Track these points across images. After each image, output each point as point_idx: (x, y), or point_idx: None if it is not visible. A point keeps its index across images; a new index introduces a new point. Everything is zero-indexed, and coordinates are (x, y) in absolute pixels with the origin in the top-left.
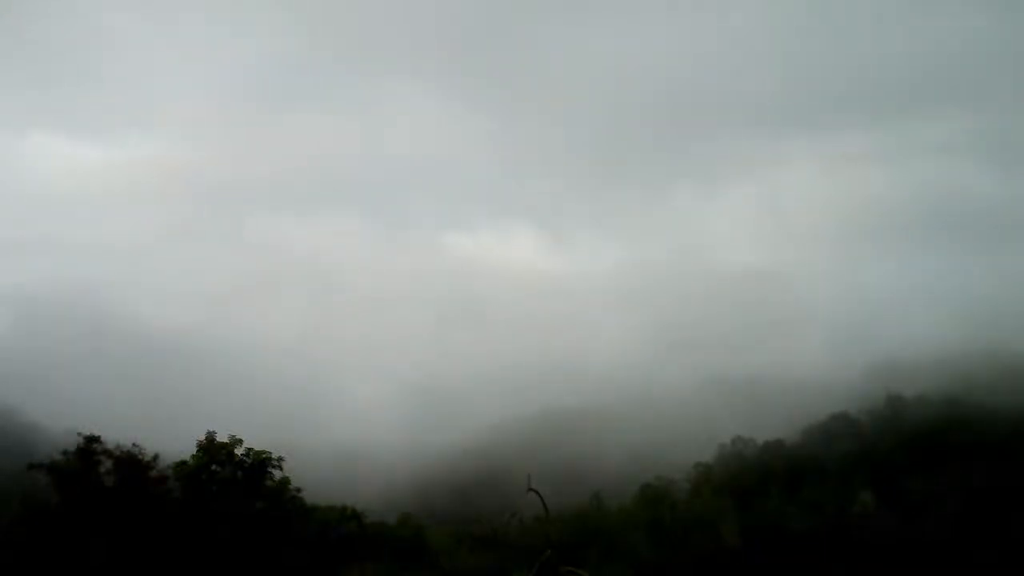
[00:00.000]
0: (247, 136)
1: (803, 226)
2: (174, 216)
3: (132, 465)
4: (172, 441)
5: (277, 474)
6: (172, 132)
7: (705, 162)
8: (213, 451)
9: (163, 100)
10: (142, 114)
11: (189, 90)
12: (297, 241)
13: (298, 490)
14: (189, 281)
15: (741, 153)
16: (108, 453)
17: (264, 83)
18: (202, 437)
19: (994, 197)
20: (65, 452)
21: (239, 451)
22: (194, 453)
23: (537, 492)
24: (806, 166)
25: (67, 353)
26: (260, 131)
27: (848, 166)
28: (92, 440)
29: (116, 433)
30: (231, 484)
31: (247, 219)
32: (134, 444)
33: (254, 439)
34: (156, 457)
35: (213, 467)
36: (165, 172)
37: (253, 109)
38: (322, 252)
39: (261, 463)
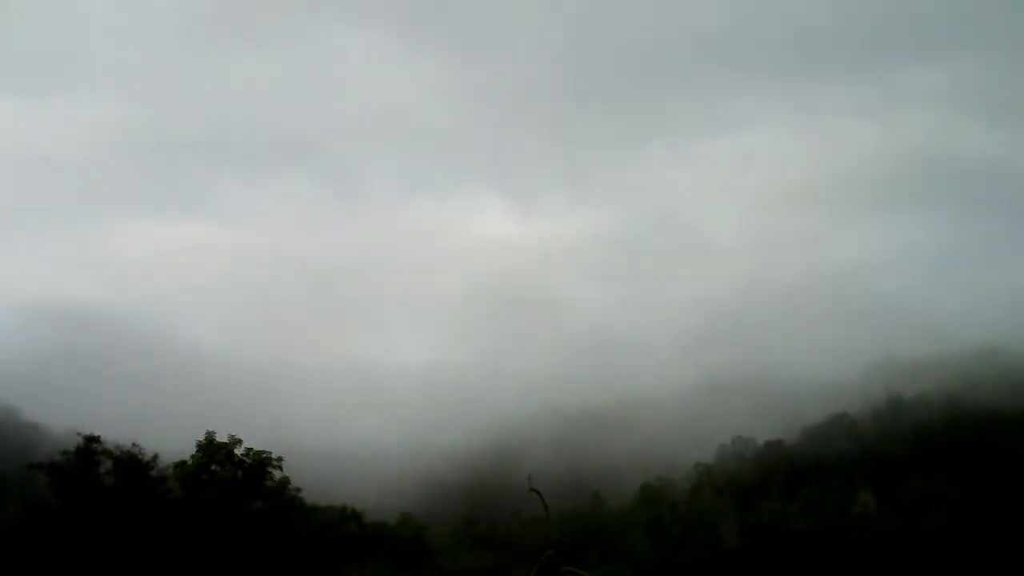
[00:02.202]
0: (185, 91)
1: (785, 189)
2: (114, 183)
3: (132, 465)
4: (172, 441)
5: (277, 474)
6: (101, 88)
7: (677, 118)
8: (213, 451)
9: (89, 52)
10: (64, 68)
11: (117, 39)
12: (253, 209)
13: (298, 490)
14: (154, 263)
15: (716, 108)
16: (108, 453)
17: (202, 30)
18: (202, 437)
19: (993, 157)
20: (65, 452)
21: (239, 451)
22: (194, 453)
23: (537, 492)
24: (786, 121)
25: (67, 353)
26: (200, 84)
27: (833, 121)
28: (92, 440)
29: (116, 433)
30: (231, 484)
31: (196, 184)
32: (134, 444)
33: (254, 439)
34: (156, 457)
35: (213, 467)
36: (95, 132)
37: (190, 60)
38: (278, 219)
39: (261, 463)
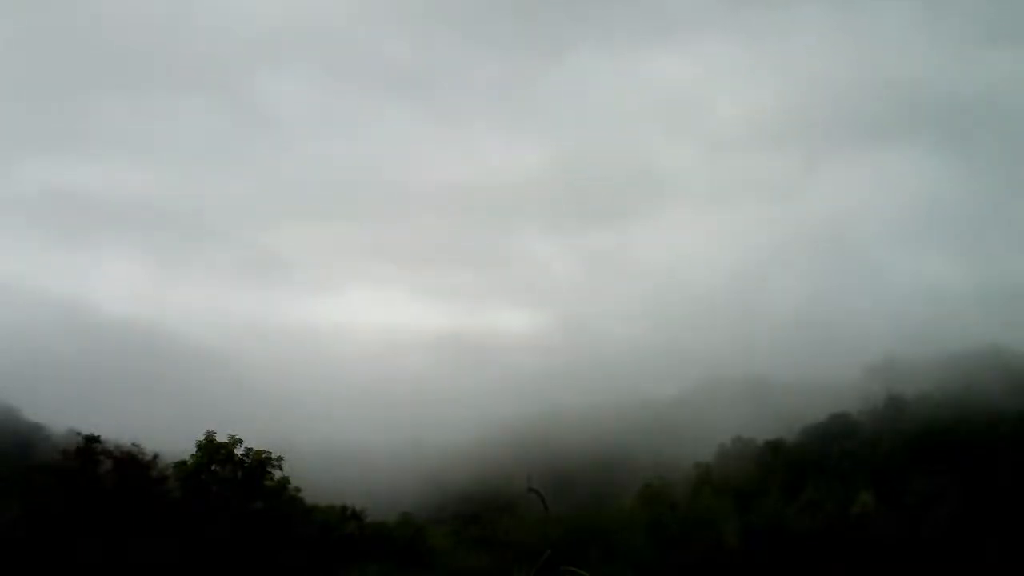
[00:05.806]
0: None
1: (750, 117)
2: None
3: (132, 465)
4: (172, 441)
5: (277, 474)
6: None
7: (613, 20)
8: (213, 451)
9: None
10: None
11: None
12: (146, 142)
13: (298, 490)
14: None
15: (659, 10)
16: (108, 453)
17: None
18: (202, 437)
19: (985, 82)
20: (65, 452)
21: (238, 451)
22: (194, 453)
23: (537, 492)
24: (743, 29)
25: (67, 353)
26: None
27: (793, 31)
28: (92, 440)
29: (116, 433)
30: (231, 484)
31: (74, 116)
32: (134, 444)
33: (253, 439)
34: (156, 457)
35: (213, 467)
36: None
37: None
38: (174, 153)
39: (261, 463)
